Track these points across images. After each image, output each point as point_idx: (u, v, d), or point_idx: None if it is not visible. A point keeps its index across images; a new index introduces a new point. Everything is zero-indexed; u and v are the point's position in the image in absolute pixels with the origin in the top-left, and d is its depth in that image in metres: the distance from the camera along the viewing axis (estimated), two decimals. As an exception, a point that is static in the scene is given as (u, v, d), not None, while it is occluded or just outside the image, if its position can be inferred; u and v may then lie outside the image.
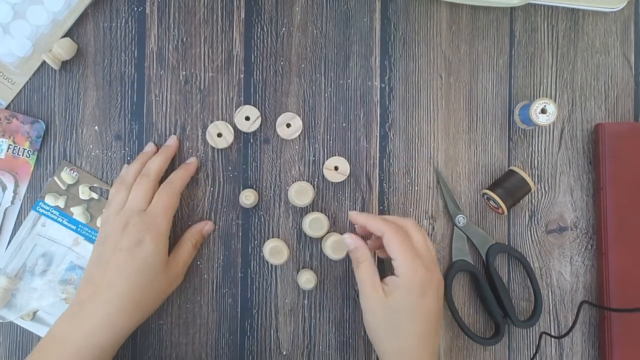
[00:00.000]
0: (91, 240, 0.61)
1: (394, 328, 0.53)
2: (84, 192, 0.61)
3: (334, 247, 0.60)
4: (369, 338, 0.56)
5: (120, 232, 0.55)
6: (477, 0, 0.60)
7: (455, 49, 0.64)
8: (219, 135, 0.61)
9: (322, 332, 0.62)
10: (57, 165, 0.61)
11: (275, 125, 0.62)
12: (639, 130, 0.63)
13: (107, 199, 0.60)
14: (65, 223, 0.61)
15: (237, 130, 0.61)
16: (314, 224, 0.60)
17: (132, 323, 0.54)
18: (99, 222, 0.61)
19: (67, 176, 0.60)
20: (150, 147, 0.61)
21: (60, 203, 0.60)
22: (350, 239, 0.56)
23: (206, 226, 0.61)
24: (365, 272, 0.54)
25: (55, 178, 0.61)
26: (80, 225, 0.61)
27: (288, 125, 0.62)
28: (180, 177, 0.59)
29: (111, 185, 0.61)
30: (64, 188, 0.61)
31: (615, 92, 0.65)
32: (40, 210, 0.61)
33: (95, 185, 0.61)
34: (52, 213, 0.61)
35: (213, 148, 0.62)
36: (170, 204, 0.57)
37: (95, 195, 0.61)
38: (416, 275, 0.52)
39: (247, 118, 0.61)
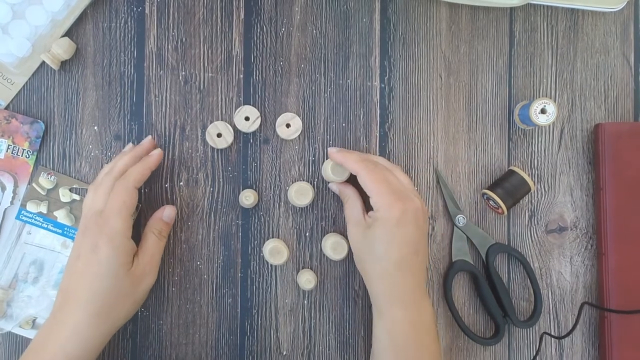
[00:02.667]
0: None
1: (372, 255, 0.56)
2: (64, 195, 0.61)
3: (334, 247, 0.60)
4: (358, 269, 0.59)
5: (81, 238, 0.54)
6: (477, 1, 0.60)
7: (455, 49, 0.64)
8: (219, 135, 0.61)
9: (322, 332, 0.62)
10: (56, 165, 0.61)
11: (275, 126, 0.62)
12: (638, 130, 0.63)
13: None
14: (51, 228, 0.61)
15: (236, 131, 0.61)
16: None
17: (102, 331, 0.53)
18: None
19: (45, 181, 0.60)
20: (128, 147, 0.60)
21: (43, 209, 0.60)
22: (334, 185, 0.61)
23: (165, 211, 0.59)
24: (350, 208, 0.59)
25: (34, 184, 0.60)
26: (65, 228, 0.61)
27: (288, 126, 0.61)
28: (136, 171, 0.56)
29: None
30: (44, 193, 0.60)
31: (614, 92, 0.65)
32: (24, 218, 0.60)
33: (75, 186, 0.61)
34: (35, 220, 0.60)
35: (213, 148, 0.62)
36: (124, 201, 0.54)
37: (76, 197, 0.61)
38: (391, 209, 0.54)
39: (247, 118, 0.61)
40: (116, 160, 0.58)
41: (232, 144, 0.61)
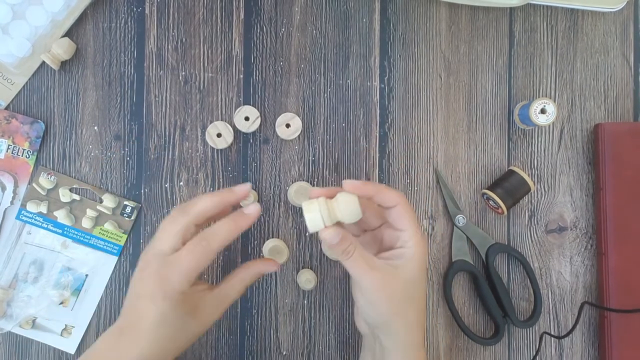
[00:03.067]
0: (79, 242, 0.61)
1: (410, 300, 0.50)
2: (64, 195, 0.61)
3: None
4: (374, 324, 0.52)
5: (139, 274, 0.49)
6: (477, 1, 0.60)
7: (455, 49, 0.64)
8: (219, 135, 0.61)
9: (322, 332, 0.62)
10: (56, 165, 0.61)
11: (274, 126, 0.62)
12: (638, 130, 0.63)
13: (89, 198, 0.60)
14: (51, 228, 0.61)
15: (236, 131, 0.61)
16: (300, 191, 0.60)
17: (165, 356, 0.50)
18: (84, 223, 0.61)
19: (45, 181, 0.60)
20: (242, 187, 0.51)
21: (43, 209, 0.60)
22: (331, 232, 0.48)
23: (268, 267, 0.53)
24: (361, 258, 0.49)
25: (34, 184, 0.60)
26: (66, 228, 0.61)
27: (287, 126, 0.61)
28: (225, 231, 0.48)
29: (91, 185, 0.61)
30: (44, 194, 0.61)
31: (614, 92, 0.65)
32: (24, 218, 0.60)
33: (75, 186, 0.61)
34: (35, 220, 0.60)
35: (213, 148, 0.62)
36: (198, 265, 0.48)
37: (76, 197, 0.61)
38: (425, 246, 0.51)
39: (247, 118, 0.61)
40: (197, 200, 0.50)
41: (232, 144, 0.61)
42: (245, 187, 0.51)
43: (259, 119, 0.61)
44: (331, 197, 0.50)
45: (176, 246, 0.48)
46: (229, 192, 0.51)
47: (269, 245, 0.60)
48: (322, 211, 0.48)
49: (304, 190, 0.60)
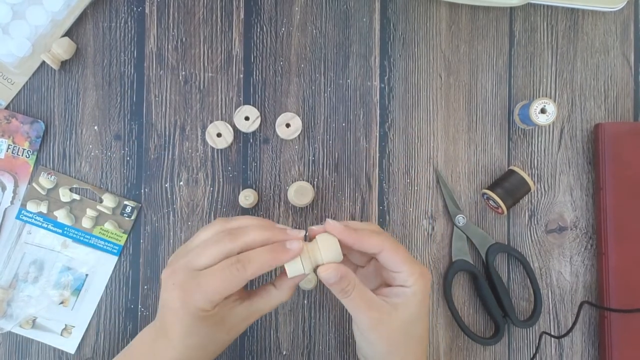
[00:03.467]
0: (79, 242, 0.61)
1: (409, 339, 0.49)
2: (64, 195, 0.61)
3: (299, 191, 0.60)
4: None
5: (167, 281, 0.47)
6: (477, 0, 0.60)
7: (455, 49, 0.64)
8: (219, 135, 0.61)
9: (322, 332, 0.62)
10: (56, 165, 0.61)
11: (274, 125, 0.62)
12: (638, 130, 0.63)
13: (89, 198, 0.60)
14: (51, 228, 0.61)
15: (236, 131, 0.61)
16: (300, 191, 0.60)
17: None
18: (84, 223, 0.61)
19: (45, 181, 0.60)
20: (296, 233, 0.48)
21: (43, 208, 0.60)
22: (329, 272, 0.46)
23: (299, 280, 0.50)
24: (360, 297, 0.48)
25: (34, 184, 0.60)
26: (66, 228, 0.61)
27: (288, 125, 0.61)
28: (262, 260, 0.46)
29: (91, 185, 0.61)
30: (44, 193, 0.61)
31: (614, 92, 0.65)
32: (24, 218, 0.60)
33: (75, 186, 0.61)
34: (36, 220, 0.60)
35: (213, 148, 0.62)
36: (226, 289, 0.45)
37: (76, 197, 0.61)
38: (425, 280, 0.49)
39: (247, 118, 0.61)
40: (248, 228, 0.48)
41: (232, 143, 0.61)
42: (299, 235, 0.48)
43: (259, 119, 0.61)
44: (312, 238, 0.49)
45: (211, 266, 0.46)
46: (282, 232, 0.48)
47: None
48: (304, 261, 0.47)
49: (304, 190, 0.60)
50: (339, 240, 0.48)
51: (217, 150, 0.62)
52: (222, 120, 0.62)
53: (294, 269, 0.47)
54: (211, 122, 0.61)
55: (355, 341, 0.62)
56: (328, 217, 0.55)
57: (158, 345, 0.49)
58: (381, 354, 0.50)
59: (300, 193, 0.60)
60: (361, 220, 0.62)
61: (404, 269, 0.48)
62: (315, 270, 0.48)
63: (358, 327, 0.50)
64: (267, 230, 0.48)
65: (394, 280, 0.50)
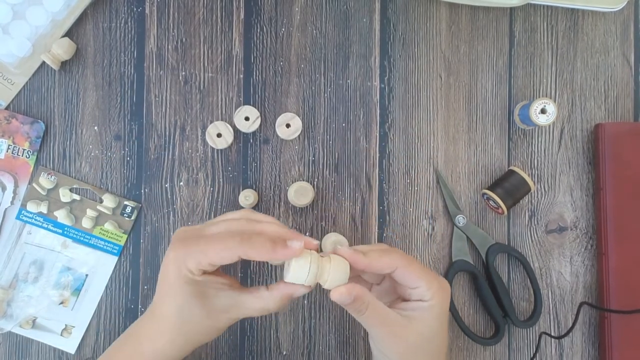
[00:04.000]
0: (79, 242, 0.61)
1: (426, 354, 0.48)
2: (64, 195, 0.61)
3: (298, 191, 0.60)
4: None
5: (169, 249, 0.48)
6: (477, 1, 0.60)
7: (455, 49, 0.64)
8: (219, 135, 0.61)
9: (322, 332, 0.62)
10: (56, 165, 0.61)
11: (274, 125, 0.62)
12: (638, 130, 0.63)
13: (89, 198, 0.60)
14: (51, 228, 0.61)
15: (236, 131, 0.61)
16: (300, 191, 0.60)
17: (183, 350, 0.50)
18: (84, 223, 0.61)
19: (45, 181, 0.60)
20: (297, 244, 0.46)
21: (43, 209, 0.60)
22: (343, 294, 0.45)
23: (298, 291, 0.48)
24: (374, 314, 0.47)
25: (34, 184, 0.60)
26: (66, 228, 0.61)
27: (288, 126, 0.61)
28: (260, 244, 0.45)
29: (91, 185, 0.61)
30: (44, 193, 0.61)
31: (615, 92, 0.65)
32: (24, 218, 0.60)
33: (75, 186, 0.61)
34: (36, 220, 0.60)
35: (213, 148, 0.62)
36: (217, 255, 0.45)
37: (76, 197, 0.61)
38: (444, 293, 0.48)
39: (247, 118, 0.61)
40: (264, 217, 0.49)
41: (232, 144, 0.61)
42: (312, 242, 0.47)
43: (259, 119, 0.61)
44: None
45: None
46: (295, 234, 0.47)
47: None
48: (312, 269, 0.46)
49: (304, 191, 0.60)
50: (350, 265, 0.47)
51: (217, 150, 0.62)
52: (222, 120, 0.62)
53: (296, 274, 0.46)
54: (211, 122, 0.61)
55: (355, 341, 0.62)
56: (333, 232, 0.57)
57: (148, 333, 0.50)
58: None
59: (300, 193, 0.60)
60: (361, 220, 0.62)
61: (421, 284, 0.48)
62: (323, 287, 0.47)
63: (373, 340, 0.50)
64: (282, 227, 0.48)
65: (411, 295, 0.49)
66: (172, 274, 0.47)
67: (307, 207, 0.62)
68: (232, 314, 0.49)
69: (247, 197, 0.60)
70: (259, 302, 0.48)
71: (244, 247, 0.45)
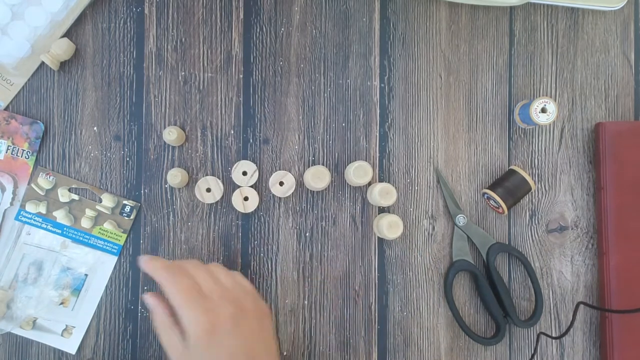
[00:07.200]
0: (79, 242, 0.61)
1: None
2: (63, 195, 0.60)
3: (390, 226, 0.59)
4: None
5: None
6: (477, 0, 0.60)
7: (455, 49, 0.64)
8: (208, 190, 0.60)
9: (322, 332, 0.62)
10: (56, 166, 0.61)
11: (275, 125, 0.62)
12: (639, 129, 0.63)
13: (88, 198, 0.60)
14: (50, 228, 0.61)
15: (228, 184, 0.61)
16: (358, 171, 0.59)
17: None
18: (83, 223, 0.61)
19: (44, 181, 0.60)
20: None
21: (42, 209, 0.60)
22: (149, 299, 0.52)
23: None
24: (164, 336, 0.51)
25: (33, 185, 0.60)
26: (65, 228, 0.61)
27: (281, 184, 0.61)
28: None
29: (90, 185, 0.61)
30: (42, 194, 0.60)
31: (615, 91, 0.65)
32: (23, 219, 0.60)
33: (73, 186, 0.61)
34: (35, 220, 0.60)
35: (213, 149, 0.62)
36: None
37: (75, 197, 0.61)
38: (197, 326, 0.48)
39: (245, 173, 0.61)
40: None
41: (219, 200, 0.61)
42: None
43: (257, 172, 0.61)
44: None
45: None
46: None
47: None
48: None
49: (320, 174, 0.60)
50: (144, 270, 0.53)
51: (217, 150, 0.62)
52: (222, 121, 0.61)
53: None
54: (211, 122, 0.61)
55: (355, 341, 0.62)
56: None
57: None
58: None
59: (317, 177, 0.60)
60: (361, 220, 0.62)
61: (178, 311, 0.49)
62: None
63: None
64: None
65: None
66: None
67: (307, 207, 0.62)
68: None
69: (170, 132, 0.59)
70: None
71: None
